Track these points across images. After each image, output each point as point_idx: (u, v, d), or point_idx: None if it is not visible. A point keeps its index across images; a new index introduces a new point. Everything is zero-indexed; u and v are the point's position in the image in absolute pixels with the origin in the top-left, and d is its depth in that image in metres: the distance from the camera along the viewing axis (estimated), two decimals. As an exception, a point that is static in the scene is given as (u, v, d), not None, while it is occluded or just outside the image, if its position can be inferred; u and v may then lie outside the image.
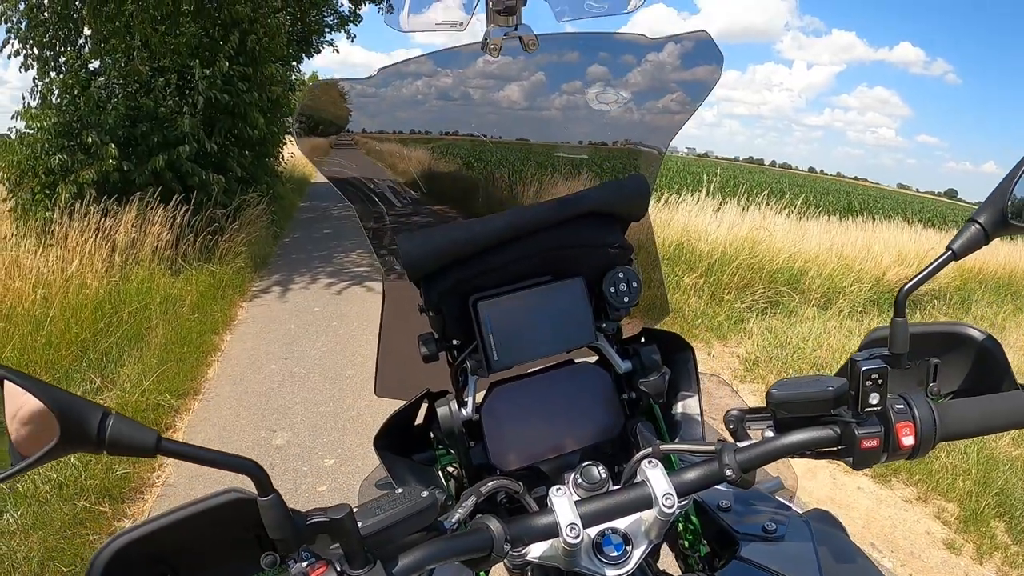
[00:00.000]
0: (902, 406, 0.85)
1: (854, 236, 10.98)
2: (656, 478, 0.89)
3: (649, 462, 0.91)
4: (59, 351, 4.98)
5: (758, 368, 6.03)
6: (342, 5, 21.55)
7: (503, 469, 1.08)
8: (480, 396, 1.12)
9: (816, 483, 4.09)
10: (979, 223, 0.90)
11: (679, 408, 1.21)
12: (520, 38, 1.09)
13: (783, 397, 0.88)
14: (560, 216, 1.11)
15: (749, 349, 6.54)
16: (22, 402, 0.63)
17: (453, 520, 0.86)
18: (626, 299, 1.13)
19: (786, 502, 1.31)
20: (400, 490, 0.81)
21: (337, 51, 24.18)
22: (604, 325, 1.15)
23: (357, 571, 0.74)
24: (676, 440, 1.17)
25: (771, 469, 1.44)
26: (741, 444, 0.90)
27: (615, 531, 0.91)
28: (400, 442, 1.13)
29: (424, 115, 1.23)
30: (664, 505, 0.86)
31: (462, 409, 1.08)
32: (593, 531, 0.90)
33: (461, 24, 1.10)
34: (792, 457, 0.90)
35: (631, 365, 1.16)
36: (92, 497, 3.47)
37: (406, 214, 1.25)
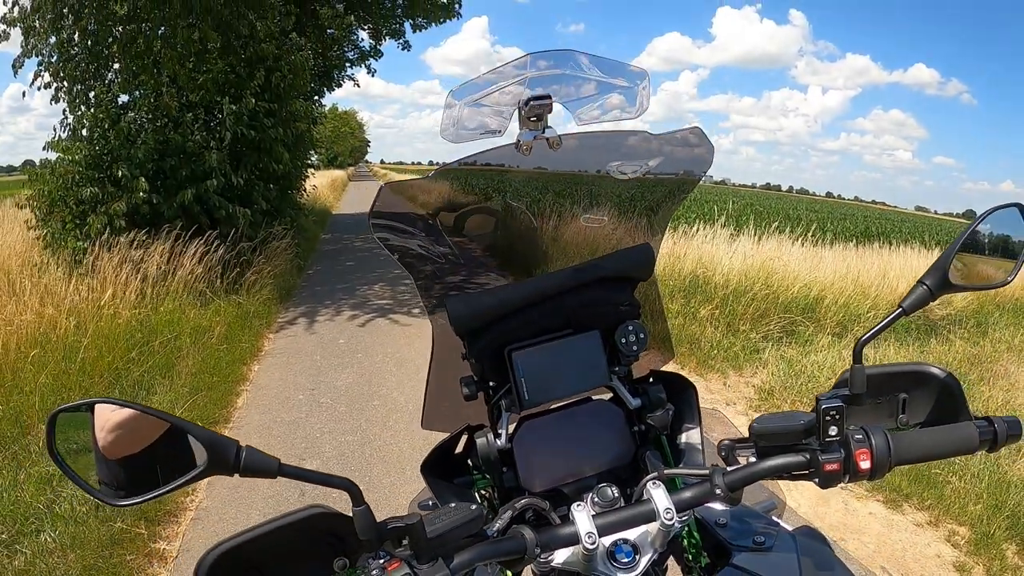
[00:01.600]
0: (860, 436, 0.99)
1: (870, 262, 10.95)
2: (659, 496, 1.03)
3: (654, 483, 1.05)
4: (92, 378, 5.13)
5: (773, 398, 6.10)
6: (362, 41, 21.99)
7: (531, 491, 1.25)
8: (511, 428, 1.29)
9: (829, 509, 4.16)
10: (926, 284, 1.09)
11: (683, 438, 1.37)
12: (547, 139, 1.28)
13: (762, 429, 1.06)
14: (579, 281, 1.32)
15: (764, 379, 6.61)
16: (108, 418, 0.84)
17: (494, 529, 1.05)
18: (635, 348, 1.32)
19: (777, 520, 1.46)
20: (454, 504, 0.95)
21: (358, 84, 24.59)
22: (616, 369, 1.34)
23: (423, 566, 0.89)
24: (680, 465, 1.32)
25: (764, 492, 1.60)
26: (730, 468, 1.05)
27: (626, 541, 1.06)
28: (442, 469, 1.30)
29: (467, 204, 1.48)
30: (665, 518, 1.01)
31: (497, 440, 1.26)
32: (608, 540, 1.05)
33: (499, 132, 1.32)
34: (771, 479, 1.06)
35: (640, 402, 1.34)
36: (129, 519, 3.59)
37: (452, 278, 1.45)
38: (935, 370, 1.15)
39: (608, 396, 1.37)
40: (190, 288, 7.76)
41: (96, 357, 5.38)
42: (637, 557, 1.06)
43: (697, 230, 10.33)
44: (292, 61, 10.93)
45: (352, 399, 5.67)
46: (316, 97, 20.01)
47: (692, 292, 8.41)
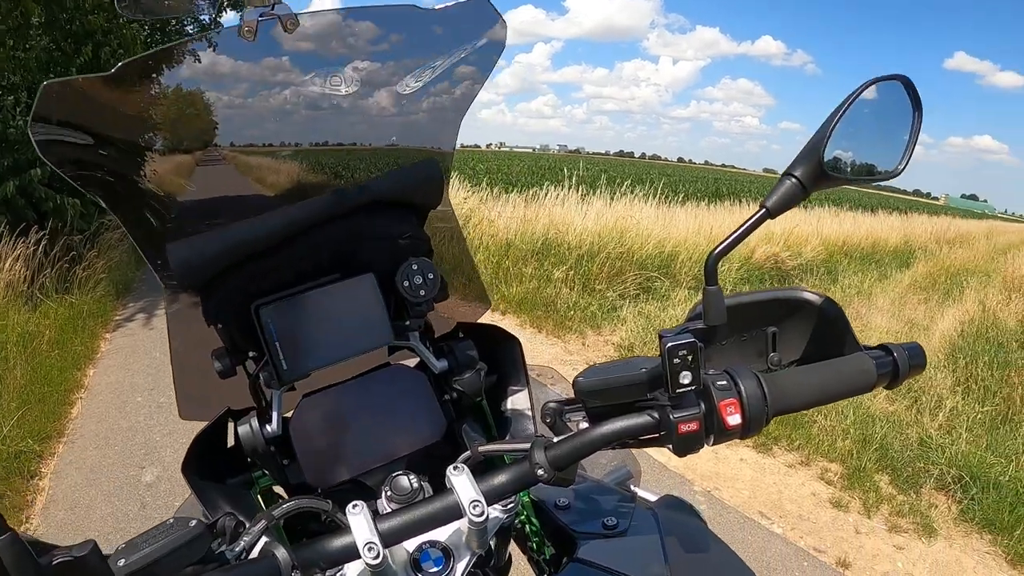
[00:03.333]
0: (724, 382, 0.79)
1: (722, 219, 11.38)
2: (462, 485, 0.81)
3: (455, 468, 0.83)
4: None
5: (633, 353, 6.17)
6: (202, 12, 20.86)
7: (322, 486, 1.03)
8: (286, 409, 1.06)
9: (698, 459, 4.22)
10: (795, 177, 0.84)
11: (508, 404, 1.18)
12: (279, 18, 1.00)
13: (590, 385, 0.85)
14: (341, 208, 1.07)
15: (623, 336, 6.73)
16: None
17: (237, 550, 0.75)
18: (422, 292, 1.08)
19: (635, 489, 1.32)
20: (172, 520, 0.71)
21: (199, 60, 23.37)
22: (408, 323, 1.10)
23: None
24: (507, 438, 1.14)
25: (616, 458, 1.44)
26: (557, 439, 0.83)
27: (434, 544, 0.88)
28: (214, 466, 1.04)
29: (177, 112, 1.11)
30: (472, 514, 0.79)
31: (266, 425, 1.02)
32: (411, 545, 0.87)
33: (195, 6, 1.06)
34: (611, 448, 0.84)
35: (447, 363, 1.13)
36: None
37: (177, 220, 1.13)
38: (809, 295, 0.95)
39: (415, 360, 1.15)
40: (15, 291, 7.10)
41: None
42: (450, 563, 0.87)
43: (547, 193, 10.33)
44: (122, 35, 10.02)
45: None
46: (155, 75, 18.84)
47: (545, 255, 8.42)
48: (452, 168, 1.25)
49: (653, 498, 1.27)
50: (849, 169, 0.90)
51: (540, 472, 0.81)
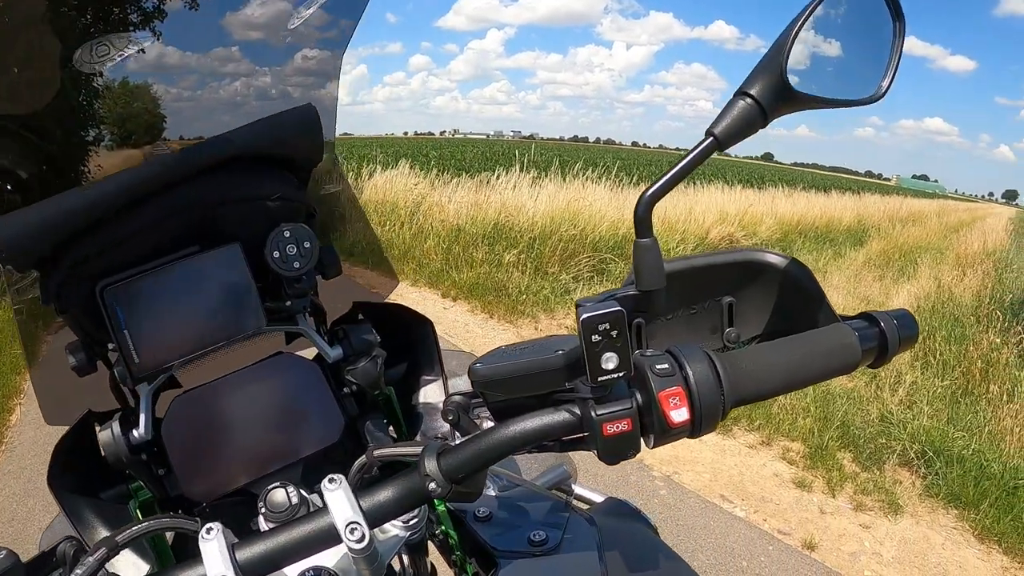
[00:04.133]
0: (666, 365, 0.61)
1: (676, 200, 11.39)
2: (338, 503, 0.62)
3: (331, 480, 0.64)
4: None
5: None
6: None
7: (205, 499, 0.87)
8: (158, 410, 0.90)
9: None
10: (751, 97, 0.64)
11: (420, 396, 1.03)
12: None
13: (490, 373, 0.68)
14: (196, 165, 0.86)
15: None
16: None
17: None
18: (297, 265, 0.88)
19: (579, 489, 1.17)
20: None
21: (143, 51, 22.97)
22: (291, 304, 0.93)
23: None
24: (417, 437, 0.99)
25: (551, 455, 1.27)
26: (458, 442, 0.66)
27: (319, 571, 0.71)
28: (87, 477, 0.90)
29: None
30: (350, 539, 0.61)
31: (133, 430, 0.86)
32: (293, 572, 0.70)
33: None
34: (521, 453, 0.69)
35: (342, 350, 0.97)
36: None
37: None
38: (772, 257, 0.77)
39: (313, 349, 0.98)
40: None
41: None
42: None
43: (499, 177, 10.20)
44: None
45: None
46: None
47: (496, 239, 8.29)
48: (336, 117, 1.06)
49: (599, 498, 1.13)
50: (818, 90, 0.68)
51: (432, 486, 0.63)
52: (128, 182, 0.83)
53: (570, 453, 1.08)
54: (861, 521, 3.49)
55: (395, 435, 1.03)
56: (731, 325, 0.80)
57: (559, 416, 0.63)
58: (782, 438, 4.26)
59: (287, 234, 0.88)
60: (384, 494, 0.64)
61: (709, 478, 3.81)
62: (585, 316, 0.57)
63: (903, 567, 3.15)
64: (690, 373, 0.60)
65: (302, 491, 0.75)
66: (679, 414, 0.59)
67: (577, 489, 1.21)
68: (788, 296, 0.77)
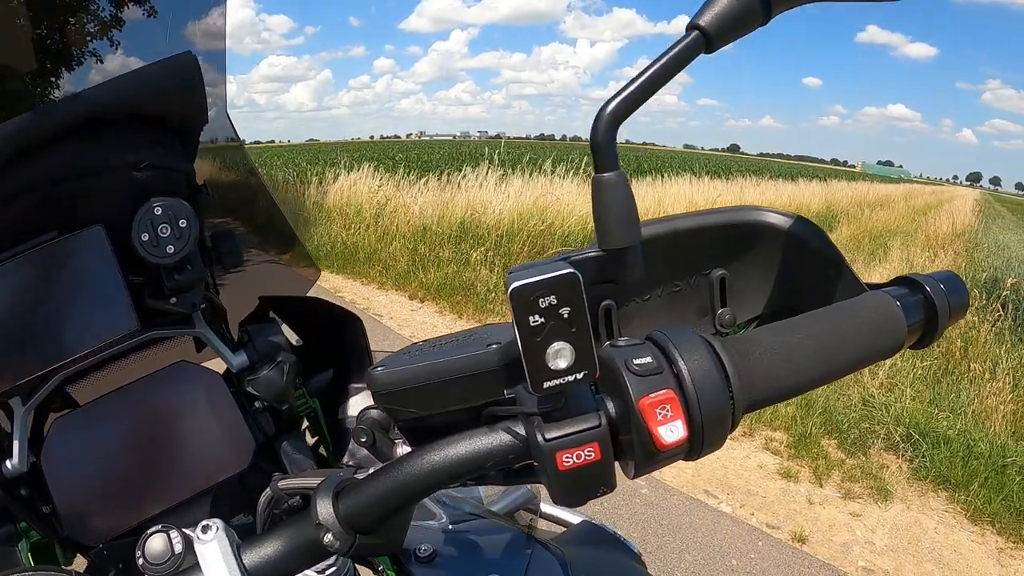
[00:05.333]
0: (649, 359, 0.43)
1: (645, 193, 11.43)
2: (211, 560, 0.48)
3: (204, 530, 0.50)
4: None
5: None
6: (102, 9, 20.44)
7: (98, 541, 0.72)
8: (39, 433, 0.76)
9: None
10: None
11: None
12: None
13: (395, 379, 0.49)
14: (43, 130, 0.69)
15: (550, 316, 6.44)
16: None
17: None
18: (170, 248, 0.71)
19: (547, 509, 1.01)
20: None
21: (101, 61, 22.71)
22: (175, 301, 0.75)
23: None
24: (345, 459, 0.83)
25: None
26: (373, 470, 0.50)
27: None
28: None
29: None
30: None
31: (6, 461, 0.71)
32: None
33: None
34: (449, 488, 0.50)
35: (247, 357, 0.81)
36: None
37: None
38: (773, 216, 0.61)
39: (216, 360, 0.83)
40: None
41: None
42: None
43: (464, 176, 10.12)
44: None
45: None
46: (53, 79, 18.13)
47: (463, 237, 8.20)
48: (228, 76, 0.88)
49: (574, 518, 0.97)
50: None
51: (329, 539, 0.47)
52: None
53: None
54: (851, 509, 3.37)
55: (325, 454, 0.90)
56: (724, 305, 0.63)
57: (494, 439, 0.45)
58: (764, 427, 4.14)
59: (158, 211, 0.71)
60: (270, 548, 0.49)
61: (692, 473, 3.67)
62: (516, 285, 0.39)
63: (897, 555, 3.02)
64: (684, 369, 0.42)
65: (192, 535, 0.55)
66: (671, 430, 0.41)
67: (545, 508, 1.04)
68: (795, 265, 0.60)
